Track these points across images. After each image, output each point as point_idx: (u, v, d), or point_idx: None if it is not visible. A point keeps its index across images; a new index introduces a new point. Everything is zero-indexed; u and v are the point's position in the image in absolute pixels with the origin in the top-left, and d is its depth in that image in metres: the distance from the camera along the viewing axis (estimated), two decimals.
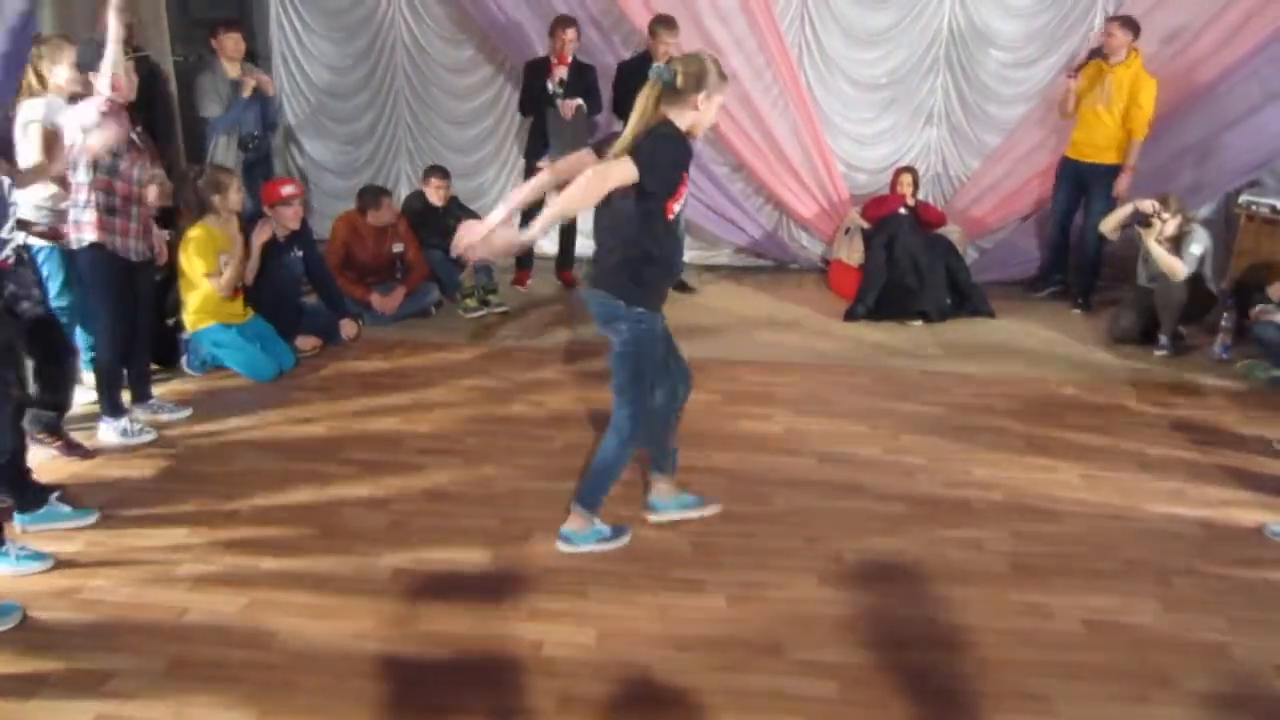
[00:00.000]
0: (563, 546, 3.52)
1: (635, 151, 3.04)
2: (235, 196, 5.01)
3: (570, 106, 6.21)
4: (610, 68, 6.81)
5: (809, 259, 7.49)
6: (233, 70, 6.08)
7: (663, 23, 6.10)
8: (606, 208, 3.27)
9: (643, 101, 3.12)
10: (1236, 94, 6.47)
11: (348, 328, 5.63)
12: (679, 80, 3.08)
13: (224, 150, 6.05)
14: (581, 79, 6.32)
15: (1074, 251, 6.70)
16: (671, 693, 2.82)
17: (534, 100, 6.36)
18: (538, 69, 6.34)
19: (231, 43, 6.07)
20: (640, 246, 3.20)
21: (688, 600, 3.24)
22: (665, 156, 3.09)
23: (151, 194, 4.30)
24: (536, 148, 6.45)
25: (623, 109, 6.01)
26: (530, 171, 6.63)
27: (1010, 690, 2.84)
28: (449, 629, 3.08)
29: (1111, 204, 6.20)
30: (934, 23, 6.95)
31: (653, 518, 3.71)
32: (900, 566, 3.48)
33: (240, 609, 3.14)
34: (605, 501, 3.56)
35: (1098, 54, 6.15)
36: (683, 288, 6.71)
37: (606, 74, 6.60)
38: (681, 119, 3.14)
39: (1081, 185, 6.42)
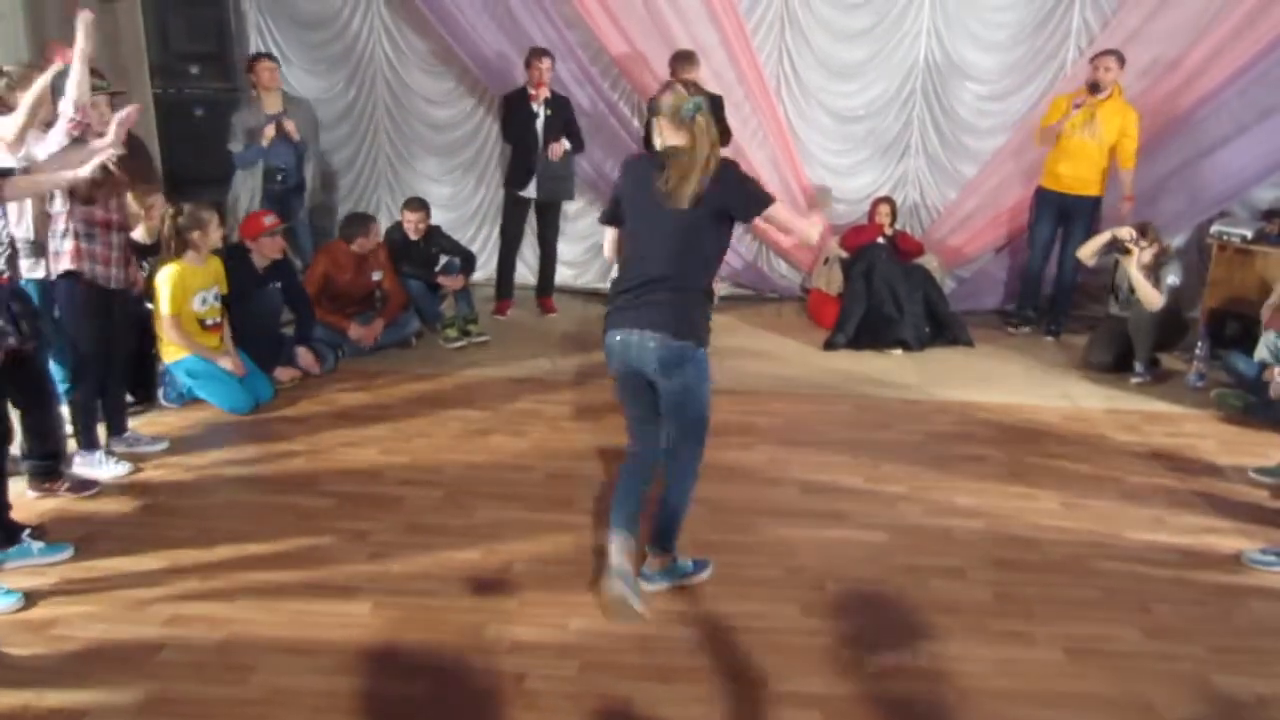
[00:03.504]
0: (648, 586, 3.37)
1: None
2: (215, 235, 4.95)
3: (558, 150, 6.37)
4: (590, 99, 6.93)
5: (788, 288, 7.55)
6: (271, 103, 6.27)
7: (681, 58, 6.25)
8: (683, 251, 3.11)
9: (710, 135, 3.06)
10: (1209, 127, 6.62)
11: (304, 357, 5.52)
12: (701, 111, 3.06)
13: (242, 187, 6.19)
14: (560, 112, 6.43)
15: (1051, 281, 6.76)
16: None
17: (516, 130, 6.44)
18: (516, 100, 6.43)
19: (267, 73, 6.27)
20: (708, 286, 3.25)
21: (670, 632, 3.22)
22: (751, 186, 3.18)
23: (156, 211, 4.58)
24: (519, 177, 6.55)
25: (650, 138, 6.24)
26: (511, 200, 6.68)
27: (993, 719, 2.83)
28: (430, 662, 3.04)
29: (1091, 234, 6.25)
30: (910, 56, 7.05)
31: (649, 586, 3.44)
32: (883, 596, 3.47)
33: (217, 644, 3.10)
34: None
35: (1096, 89, 6.14)
36: None
37: (582, 108, 6.73)
38: None
39: (1063, 216, 6.45)
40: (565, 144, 6.44)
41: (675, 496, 3.38)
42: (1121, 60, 6.13)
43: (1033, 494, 4.29)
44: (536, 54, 6.39)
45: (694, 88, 3.13)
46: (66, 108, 3.75)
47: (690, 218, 3.05)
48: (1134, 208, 6.32)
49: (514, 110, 6.47)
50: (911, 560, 3.70)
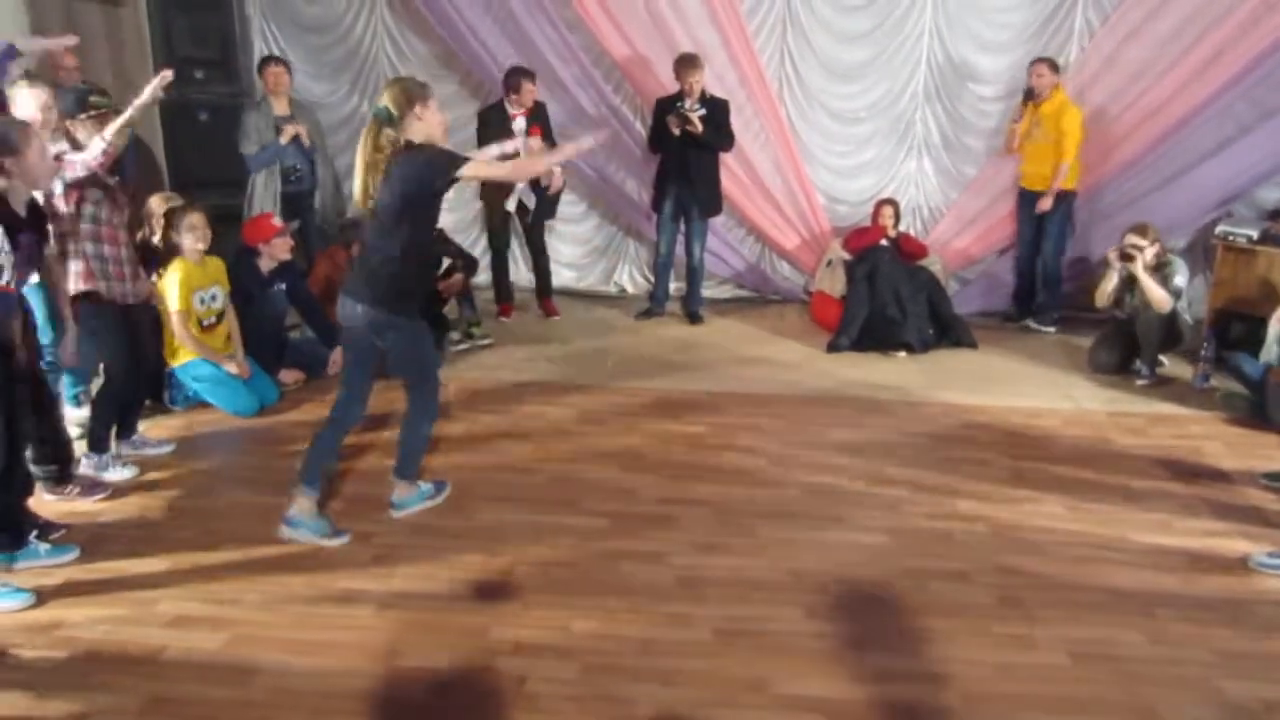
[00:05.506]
0: (395, 514, 3.96)
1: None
2: (195, 236, 4.88)
3: (558, 182, 6.52)
4: (593, 102, 6.93)
5: (791, 291, 7.54)
6: (280, 106, 6.33)
7: (685, 62, 6.33)
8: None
9: (370, 140, 3.61)
10: (1210, 128, 6.61)
11: (337, 356, 5.55)
12: (393, 109, 3.51)
13: (263, 188, 6.28)
14: (539, 115, 6.42)
15: (1039, 275, 6.89)
16: None
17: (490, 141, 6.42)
18: (493, 114, 6.43)
19: (273, 78, 6.34)
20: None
21: (673, 634, 3.22)
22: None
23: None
24: (493, 192, 6.53)
25: (654, 140, 6.60)
26: (490, 210, 6.76)
27: None
28: (432, 664, 3.04)
29: (1065, 224, 6.63)
30: (912, 57, 7.05)
31: (396, 514, 3.98)
32: (885, 599, 3.46)
33: (220, 646, 3.10)
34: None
35: (1031, 95, 6.51)
36: (695, 319, 6.91)
37: (584, 111, 6.73)
38: (416, 134, 3.56)
39: (1038, 212, 6.71)
40: (539, 142, 6.22)
41: (417, 431, 3.97)
42: (1054, 66, 6.51)
43: (1036, 497, 4.27)
44: (527, 75, 6.35)
45: (400, 89, 3.58)
46: (95, 150, 3.95)
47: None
48: (1053, 198, 6.55)
49: (490, 125, 6.33)
50: (914, 563, 3.70)
